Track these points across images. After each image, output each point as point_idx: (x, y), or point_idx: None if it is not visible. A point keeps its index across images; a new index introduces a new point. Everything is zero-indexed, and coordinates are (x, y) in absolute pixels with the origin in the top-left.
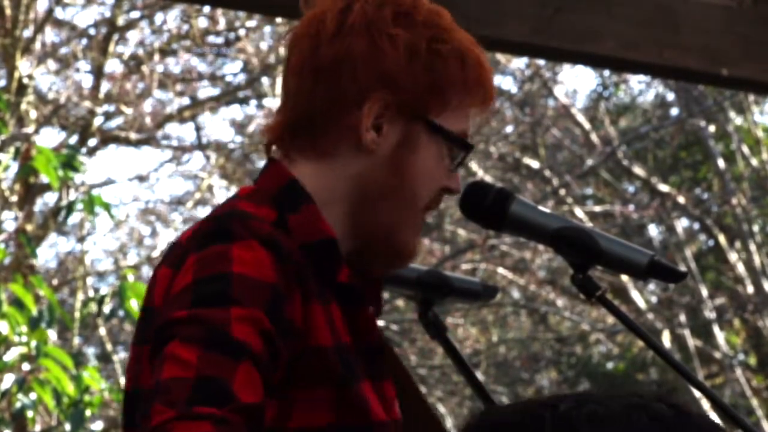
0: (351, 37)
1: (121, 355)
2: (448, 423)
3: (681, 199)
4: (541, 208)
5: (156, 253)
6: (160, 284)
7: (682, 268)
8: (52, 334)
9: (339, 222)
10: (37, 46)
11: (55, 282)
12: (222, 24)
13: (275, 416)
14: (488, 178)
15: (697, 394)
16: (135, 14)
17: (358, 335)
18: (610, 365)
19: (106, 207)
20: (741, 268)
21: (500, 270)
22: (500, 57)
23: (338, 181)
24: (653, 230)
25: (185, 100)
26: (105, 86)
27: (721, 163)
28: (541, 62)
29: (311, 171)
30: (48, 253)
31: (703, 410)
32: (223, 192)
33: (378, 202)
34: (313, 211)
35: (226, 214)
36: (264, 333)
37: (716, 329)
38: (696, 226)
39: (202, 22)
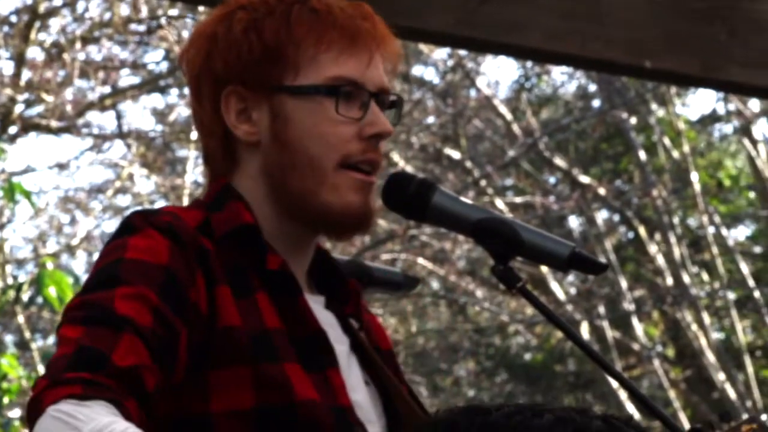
0: (192, 60)
1: (39, 343)
2: None
3: (602, 191)
4: (462, 198)
5: (75, 241)
6: None
7: (602, 259)
8: None
9: (274, 216)
10: None
11: None
12: (144, 12)
13: (193, 400)
14: (409, 169)
15: (615, 384)
16: (57, 2)
17: (293, 324)
18: (528, 356)
19: (27, 195)
20: (661, 260)
21: (420, 260)
22: (423, 47)
23: (252, 181)
24: (573, 222)
25: (106, 88)
26: (26, 74)
27: (642, 155)
28: (464, 53)
29: (234, 182)
30: None
31: (620, 402)
32: (143, 180)
33: (286, 183)
34: (236, 206)
35: (132, 212)
36: (153, 309)
37: (635, 321)
38: (616, 217)
39: (124, 10)
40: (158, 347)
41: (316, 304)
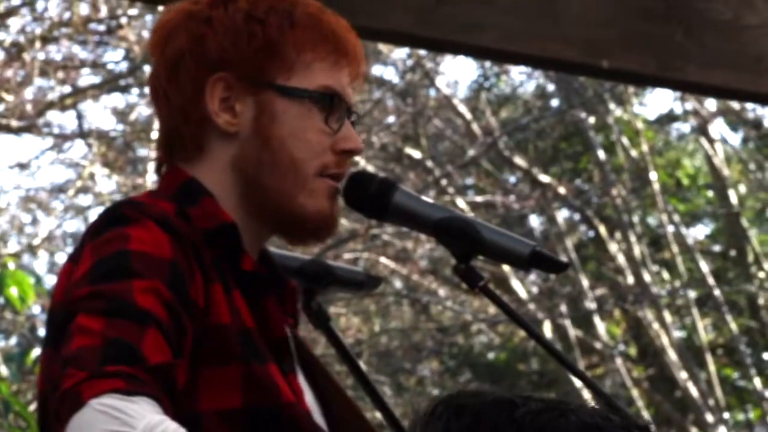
0: (174, 40)
1: (0, 344)
2: None
3: (562, 190)
4: (423, 198)
5: (37, 241)
6: (60, 280)
7: (564, 258)
8: None
9: (238, 211)
10: None
11: None
12: (104, 12)
13: (182, 398)
14: (370, 168)
15: (578, 383)
16: (16, 1)
17: (263, 325)
18: (491, 355)
19: None
20: (621, 259)
21: (382, 259)
22: (382, 47)
23: (220, 173)
24: (534, 221)
25: (66, 88)
26: None
27: (601, 154)
28: (423, 53)
29: (197, 173)
30: None
31: (585, 401)
32: (104, 180)
33: (261, 179)
34: (211, 202)
35: (117, 203)
36: (167, 304)
37: (597, 320)
38: (576, 216)
39: (83, 10)
40: (175, 343)
41: None
